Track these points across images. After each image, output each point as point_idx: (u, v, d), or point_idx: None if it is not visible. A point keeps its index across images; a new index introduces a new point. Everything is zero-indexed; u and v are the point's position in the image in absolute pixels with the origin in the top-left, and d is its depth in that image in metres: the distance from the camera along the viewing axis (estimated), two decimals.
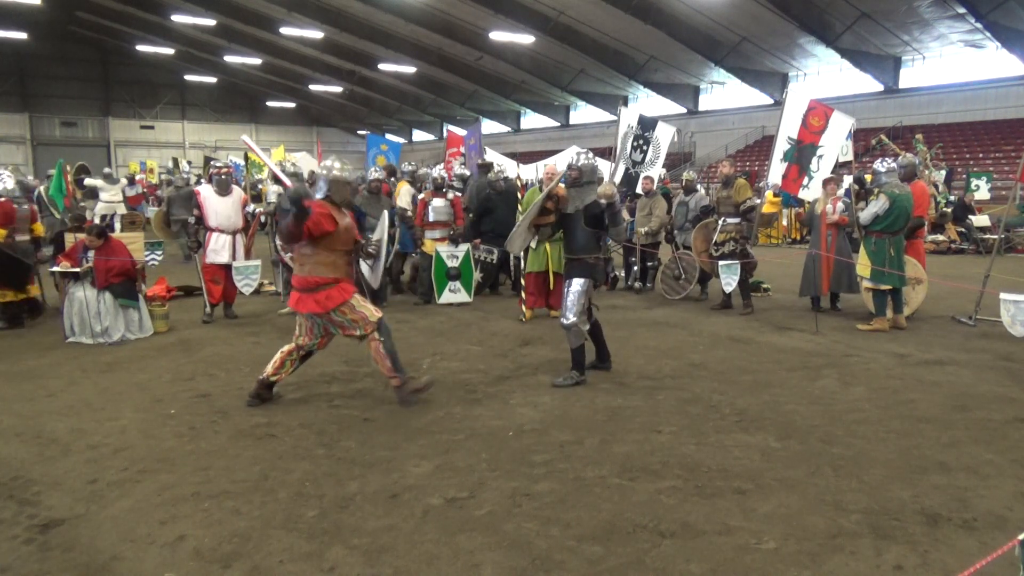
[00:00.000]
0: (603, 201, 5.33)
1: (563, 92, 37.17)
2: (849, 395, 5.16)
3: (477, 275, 9.27)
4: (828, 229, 7.99)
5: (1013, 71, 24.41)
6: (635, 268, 10.08)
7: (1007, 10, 21.57)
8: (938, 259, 13.51)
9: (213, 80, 46.25)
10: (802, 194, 8.64)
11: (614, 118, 17.82)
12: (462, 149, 13.30)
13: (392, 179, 11.00)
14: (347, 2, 30.21)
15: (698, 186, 9.99)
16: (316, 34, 33.20)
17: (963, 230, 16.02)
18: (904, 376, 5.65)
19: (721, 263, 8.21)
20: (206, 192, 7.90)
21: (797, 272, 8.60)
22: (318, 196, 4.83)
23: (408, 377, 4.93)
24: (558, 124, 41.64)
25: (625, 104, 33.99)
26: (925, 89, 27.45)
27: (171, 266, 11.24)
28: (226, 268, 7.85)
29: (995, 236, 11.81)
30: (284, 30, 32.77)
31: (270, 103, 50.04)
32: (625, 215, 9.99)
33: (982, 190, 18.19)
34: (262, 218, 8.71)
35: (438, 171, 9.51)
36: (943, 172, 18.15)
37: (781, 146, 8.43)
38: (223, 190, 7.85)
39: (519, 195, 8.50)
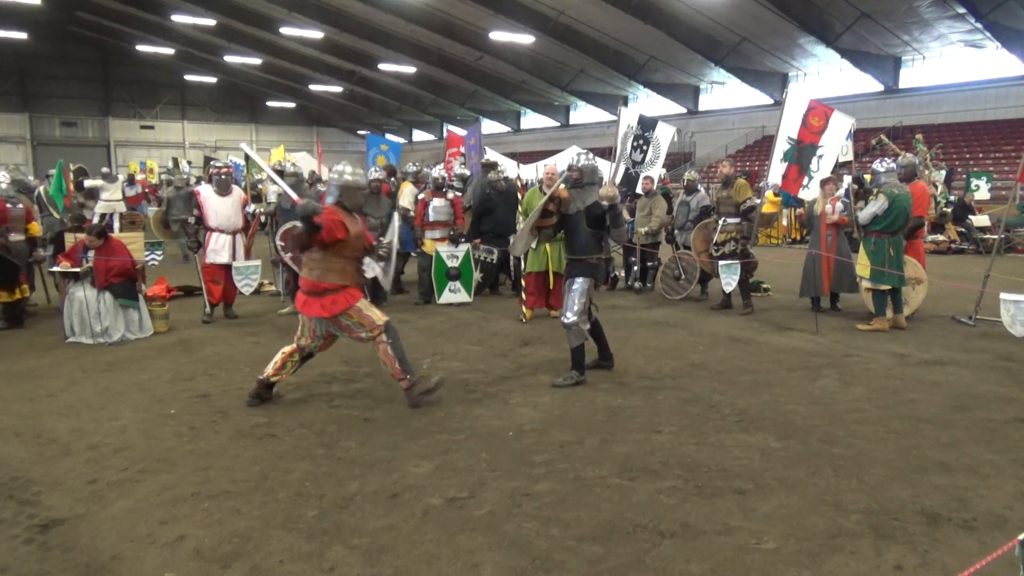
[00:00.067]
0: (605, 202, 5.35)
1: (563, 92, 37.17)
2: (849, 395, 5.16)
3: (477, 275, 9.27)
4: (828, 229, 7.99)
5: (1013, 71, 24.41)
6: (635, 268, 10.08)
7: (1007, 10, 21.58)
8: (938, 259, 13.51)
9: (213, 80, 46.26)
10: (802, 194, 8.65)
11: (614, 118, 17.85)
12: (462, 149, 13.29)
13: (392, 179, 11.00)
14: (347, 2, 30.21)
15: (699, 186, 9.99)
16: (316, 34, 33.21)
17: (963, 230, 16.01)
18: (904, 376, 5.65)
19: (721, 263, 8.21)
20: (206, 192, 7.90)
21: (797, 272, 8.60)
22: (329, 201, 4.82)
23: (418, 378, 4.93)
24: (558, 124, 41.64)
25: (625, 104, 34.02)
26: (925, 89, 27.46)
27: (171, 266, 11.24)
28: (226, 268, 7.85)
29: (995, 236, 11.81)
30: (284, 30, 32.78)
31: (270, 103, 50.05)
32: (625, 215, 9.99)
33: (982, 190, 18.19)
34: (262, 218, 8.72)
35: (438, 171, 9.51)
36: (943, 172, 18.15)
37: (781, 146, 8.43)
38: (223, 190, 7.85)
39: (519, 195, 8.50)
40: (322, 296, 4.69)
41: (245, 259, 7.98)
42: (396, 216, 5.74)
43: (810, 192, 8.46)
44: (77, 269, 6.88)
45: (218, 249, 7.81)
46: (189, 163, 29.32)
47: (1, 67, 41.15)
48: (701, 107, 35.29)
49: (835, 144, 8.47)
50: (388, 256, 5.28)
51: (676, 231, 9.81)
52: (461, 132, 14.18)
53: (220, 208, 7.82)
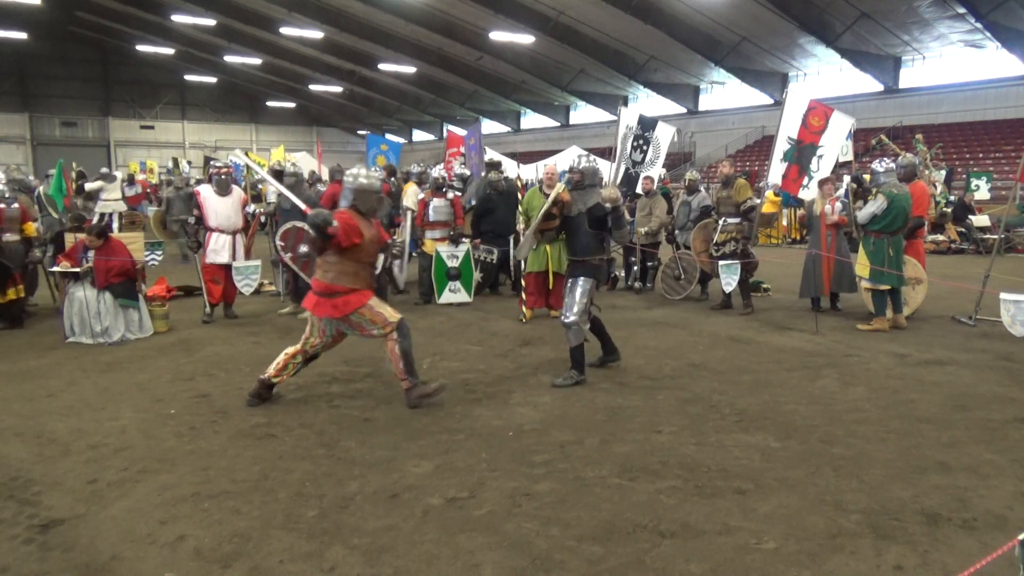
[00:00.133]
0: (608, 205, 5.40)
1: (563, 92, 37.18)
2: (849, 395, 5.16)
3: (477, 275, 9.27)
4: (828, 229, 7.99)
5: (1013, 71, 24.41)
6: (635, 268, 10.08)
7: (1007, 10, 21.58)
8: (938, 259, 13.51)
9: (213, 80, 46.27)
10: (802, 194, 8.65)
11: (614, 118, 17.84)
12: (462, 149, 13.30)
13: (392, 179, 11.00)
14: (347, 2, 30.22)
15: (700, 186, 9.99)
16: (316, 34, 33.21)
17: (963, 230, 16.01)
18: (904, 376, 5.65)
19: (721, 263, 8.21)
20: (206, 192, 7.89)
21: (797, 272, 8.60)
22: (343, 204, 4.82)
23: (419, 381, 4.93)
24: (558, 124, 41.64)
25: (625, 104, 33.99)
26: (925, 89, 27.46)
27: (171, 266, 11.24)
28: (226, 268, 7.85)
29: (995, 236, 11.81)
30: (284, 30, 32.78)
31: (270, 103, 50.06)
32: (626, 215, 9.99)
33: (982, 190, 18.19)
34: (262, 218, 8.71)
35: (438, 171, 9.51)
36: (943, 172, 18.15)
37: (781, 146, 8.43)
38: (223, 190, 7.85)
39: (519, 195, 8.50)
40: (334, 297, 4.71)
41: (245, 259, 7.98)
42: (409, 215, 5.81)
43: (809, 192, 8.47)
44: (77, 269, 6.88)
45: (218, 249, 7.80)
46: (189, 163, 29.33)
47: (1, 67, 41.16)
48: (701, 107, 35.29)
49: (835, 144, 8.47)
50: (402, 254, 5.40)
51: (677, 231, 9.81)
52: (461, 132, 14.19)
53: (220, 208, 7.82)
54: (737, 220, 8.32)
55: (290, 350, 4.97)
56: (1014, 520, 3.22)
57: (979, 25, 22.61)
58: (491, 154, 14.55)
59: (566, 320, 5.44)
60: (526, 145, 40.28)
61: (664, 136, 10.34)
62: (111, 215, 13.97)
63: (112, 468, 3.87)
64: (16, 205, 7.71)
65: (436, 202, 8.98)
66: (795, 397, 5.10)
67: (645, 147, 10.29)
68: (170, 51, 40.23)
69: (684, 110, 34.74)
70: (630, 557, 2.96)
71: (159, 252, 9.43)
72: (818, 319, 7.65)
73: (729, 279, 8.16)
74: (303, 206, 5.40)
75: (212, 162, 10.62)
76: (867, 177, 10.02)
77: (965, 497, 3.46)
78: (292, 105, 50.57)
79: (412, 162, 12.26)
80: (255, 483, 3.68)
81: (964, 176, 20.19)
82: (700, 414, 4.73)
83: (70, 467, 3.90)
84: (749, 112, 32.61)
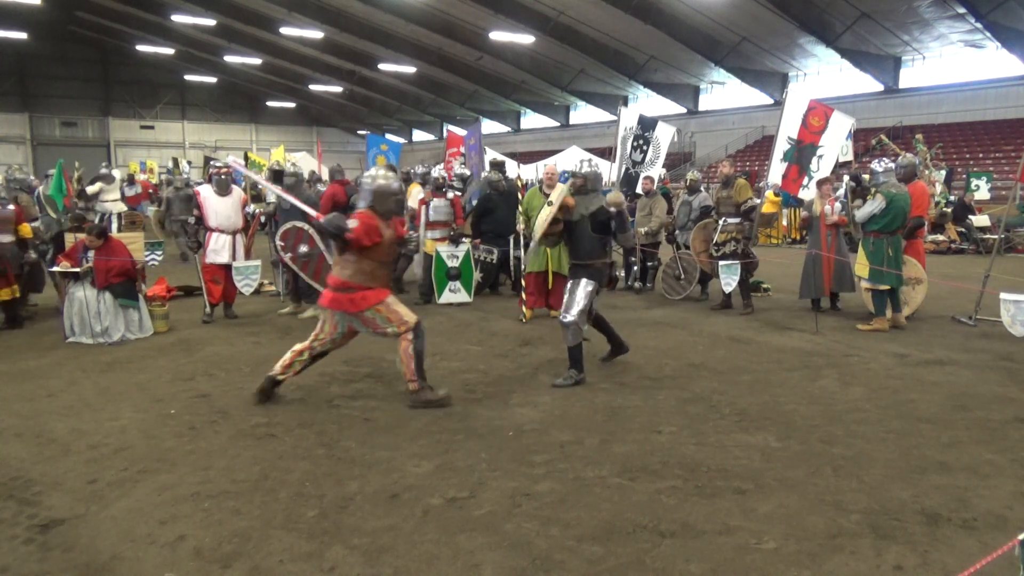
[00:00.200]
0: (612, 209, 5.47)
1: (563, 92, 37.18)
2: (849, 395, 5.16)
3: (477, 275, 9.27)
4: (828, 229, 7.99)
5: (1013, 71, 24.41)
6: (635, 268, 10.08)
7: (1007, 10, 21.58)
8: (938, 259, 13.51)
9: (213, 80, 46.25)
10: (802, 194, 8.66)
11: (614, 118, 17.83)
12: (462, 149, 13.30)
13: None
14: (347, 2, 30.21)
15: (701, 186, 9.99)
16: (316, 34, 33.20)
17: (963, 230, 16.01)
18: (904, 376, 5.65)
19: (721, 263, 8.21)
20: (206, 192, 7.89)
21: (797, 272, 8.60)
22: (361, 205, 4.83)
23: (426, 386, 4.93)
24: (558, 124, 41.64)
25: (625, 104, 33.98)
26: (925, 89, 27.46)
27: (171, 266, 11.24)
28: (226, 268, 7.85)
29: (995, 236, 11.81)
30: (284, 30, 32.77)
31: (270, 103, 50.04)
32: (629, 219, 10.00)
33: (982, 190, 18.19)
34: (262, 218, 8.71)
35: (438, 171, 9.52)
36: (943, 172, 18.15)
37: (781, 146, 8.44)
38: (223, 190, 7.85)
39: (519, 195, 8.50)
40: (350, 292, 4.73)
41: (245, 259, 7.98)
42: (423, 212, 5.85)
43: (809, 192, 8.47)
44: (77, 269, 6.88)
45: (218, 249, 7.80)
46: (189, 163, 29.31)
47: (1, 67, 41.14)
48: (701, 107, 35.29)
49: (835, 144, 8.48)
50: (417, 250, 5.39)
51: (677, 231, 9.81)
52: (461, 132, 14.19)
53: (220, 208, 7.82)
54: (737, 220, 8.32)
55: (297, 347, 4.98)
56: (1014, 520, 3.22)
57: (979, 25, 22.62)
58: (492, 155, 14.54)
59: (565, 319, 5.46)
60: (526, 145, 40.28)
61: (664, 136, 10.34)
62: (110, 215, 13.96)
63: (112, 468, 3.87)
64: (11, 207, 7.68)
65: (436, 202, 8.98)
66: (795, 397, 5.10)
67: (645, 147, 10.29)
68: (170, 51, 40.22)
69: (684, 110, 34.73)
70: (630, 557, 2.96)
71: (159, 252, 9.43)
72: (818, 319, 7.64)
73: (729, 279, 8.16)
74: (306, 208, 5.41)
75: (212, 162, 10.61)
76: (866, 177, 10.02)
77: (965, 497, 3.47)
78: (292, 105, 50.56)
79: (412, 162, 12.25)
80: (255, 483, 3.68)
81: (964, 176, 20.19)
82: (700, 414, 4.73)
83: (70, 467, 3.90)
84: (749, 112, 32.61)
